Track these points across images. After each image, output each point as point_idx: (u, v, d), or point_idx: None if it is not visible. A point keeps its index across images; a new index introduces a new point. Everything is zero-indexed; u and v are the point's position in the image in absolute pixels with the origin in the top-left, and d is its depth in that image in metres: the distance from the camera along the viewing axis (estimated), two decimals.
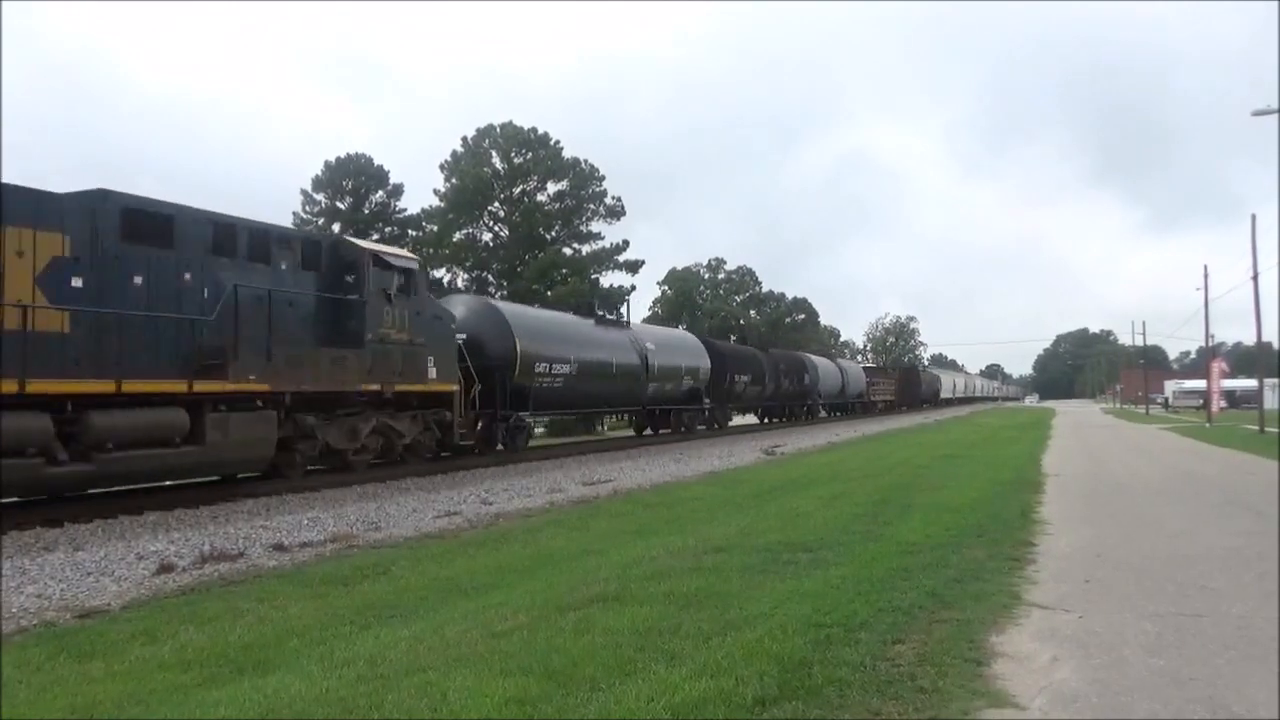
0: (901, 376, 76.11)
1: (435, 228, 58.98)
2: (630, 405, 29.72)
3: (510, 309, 23.58)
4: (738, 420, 46.65)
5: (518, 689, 4.71)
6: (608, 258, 61.73)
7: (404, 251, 18.89)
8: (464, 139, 60.37)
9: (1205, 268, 70.96)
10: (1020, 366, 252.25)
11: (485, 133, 60.17)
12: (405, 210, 60.53)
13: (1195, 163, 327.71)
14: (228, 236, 13.99)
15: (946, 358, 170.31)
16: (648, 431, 32.82)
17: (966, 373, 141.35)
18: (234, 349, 13.38)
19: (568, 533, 10.89)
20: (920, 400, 79.37)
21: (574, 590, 7.18)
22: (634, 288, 63.53)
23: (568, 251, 61.12)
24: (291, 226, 15.11)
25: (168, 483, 14.25)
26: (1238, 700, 4.64)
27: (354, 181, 59.11)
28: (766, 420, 46.68)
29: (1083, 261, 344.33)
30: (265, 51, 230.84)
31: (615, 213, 62.29)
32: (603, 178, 61.87)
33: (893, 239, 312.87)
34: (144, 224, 12.68)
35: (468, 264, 59.69)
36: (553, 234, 60.70)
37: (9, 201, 11.12)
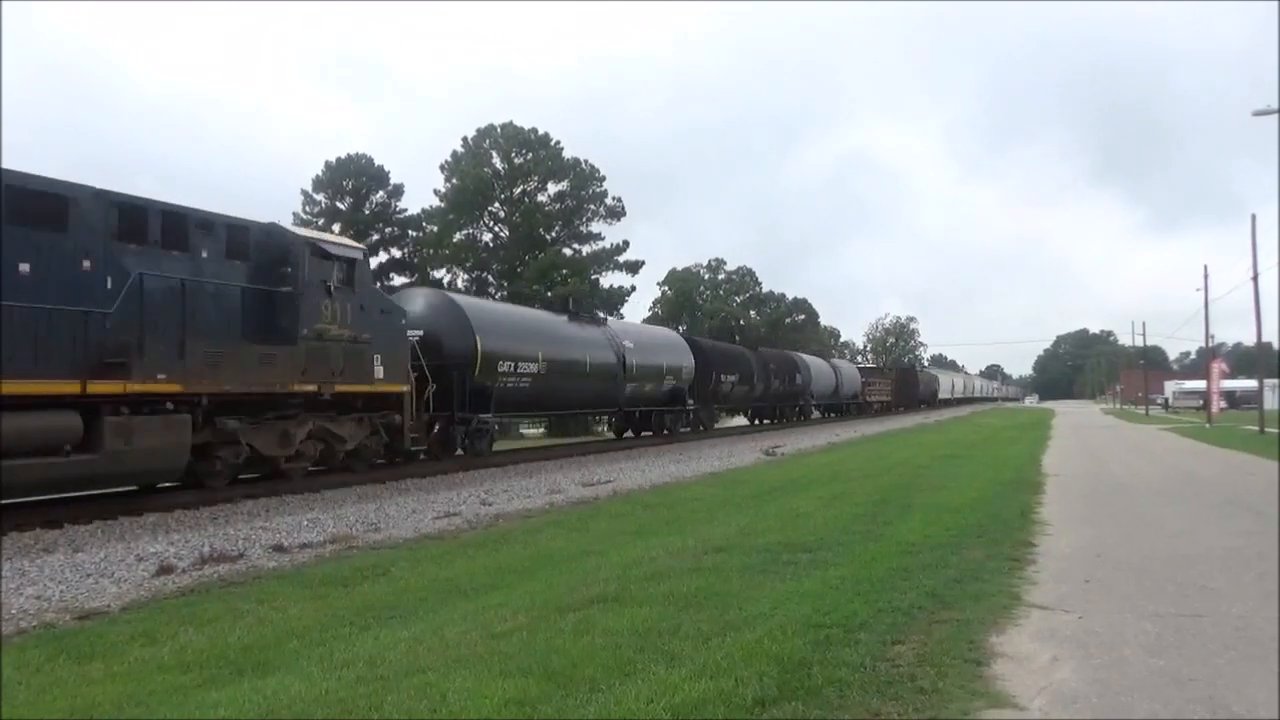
0: (898, 377, 75.77)
1: (436, 228, 59.04)
2: (607, 406, 28.40)
3: (470, 303, 22.32)
4: (730, 422, 46.28)
5: (517, 690, 4.70)
6: (608, 258, 61.80)
7: (347, 240, 17.28)
8: (464, 139, 60.52)
9: (1205, 268, 71.13)
10: (1020, 367, 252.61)
11: (485, 133, 60.26)
12: (406, 210, 60.56)
13: (1195, 163, 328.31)
14: (136, 220, 12.60)
15: (946, 358, 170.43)
16: (629, 434, 31.54)
17: (966, 373, 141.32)
18: (139, 345, 12.10)
19: (567, 533, 10.89)
20: (918, 401, 79.15)
21: (574, 591, 7.18)
22: (634, 288, 63.71)
23: (568, 252, 61.20)
24: (213, 211, 14.12)
25: (61, 495, 12.87)
26: (1238, 700, 4.64)
27: (354, 182, 59.08)
28: (757, 422, 45.48)
29: (1083, 262, 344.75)
30: (266, 51, 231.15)
31: (615, 213, 62.41)
32: (603, 178, 62.03)
33: (893, 239, 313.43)
34: (31, 204, 11.33)
35: (468, 264, 59.75)
36: (553, 234, 60.78)
37: None
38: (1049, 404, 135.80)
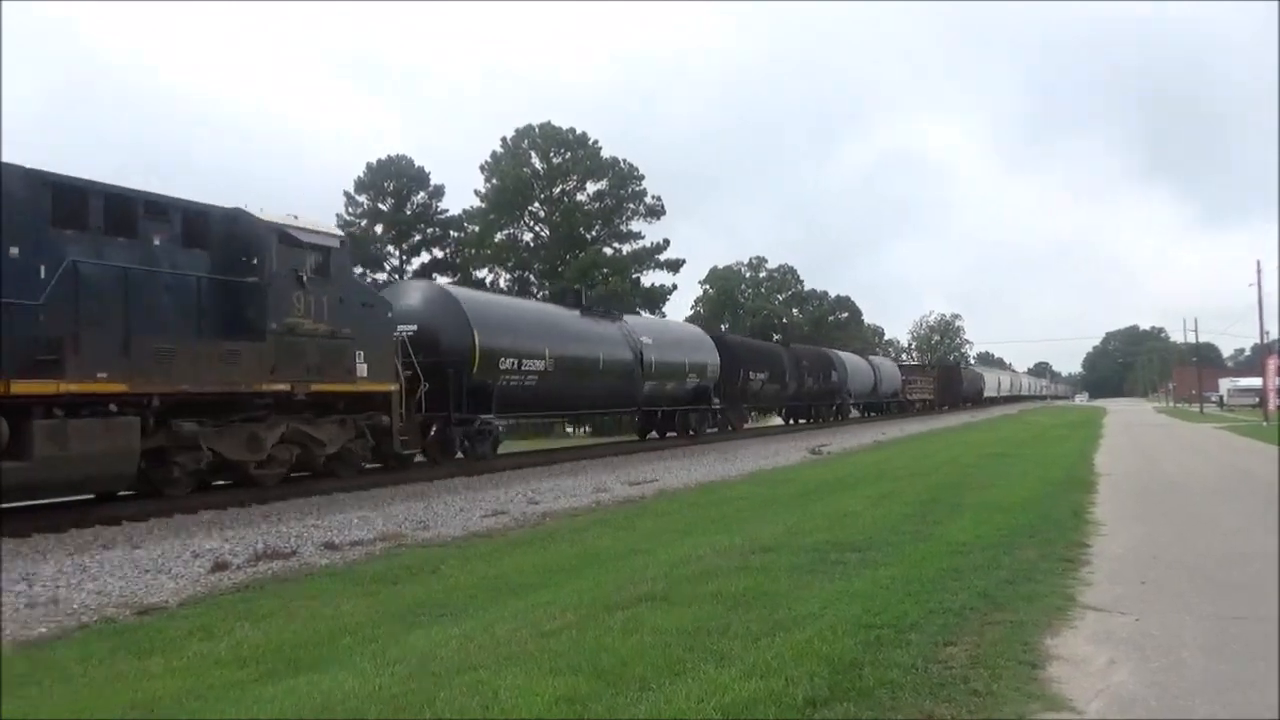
0: (941, 374, 74.38)
1: (477, 228, 59.49)
2: (624, 406, 26.90)
3: (468, 296, 20.97)
4: (768, 422, 45.59)
5: (568, 688, 4.73)
6: (648, 257, 61.91)
7: (324, 226, 15.61)
8: (503, 139, 60.99)
9: (1259, 263, 69.25)
10: (1069, 364, 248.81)
11: (524, 133, 60.63)
12: (447, 211, 61.19)
13: (1248, 156, 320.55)
14: (75, 204, 11.51)
15: (993, 356, 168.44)
16: (653, 435, 30.23)
17: (1013, 371, 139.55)
18: (73, 340, 10.92)
19: (614, 532, 10.92)
20: (962, 399, 77.99)
21: (621, 589, 7.20)
22: (675, 287, 63.75)
23: (608, 251, 61.37)
24: (168, 195, 12.97)
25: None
26: None
27: (395, 183, 59.80)
28: (791, 421, 44.19)
29: (1133, 257, 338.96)
30: (309, 56, 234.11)
31: (655, 212, 62.52)
32: (642, 177, 62.15)
33: (936, 236, 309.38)
34: None
35: (509, 264, 60.15)
36: (593, 233, 60.99)
37: None
38: (1099, 402, 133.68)
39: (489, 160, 60.51)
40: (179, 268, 12.73)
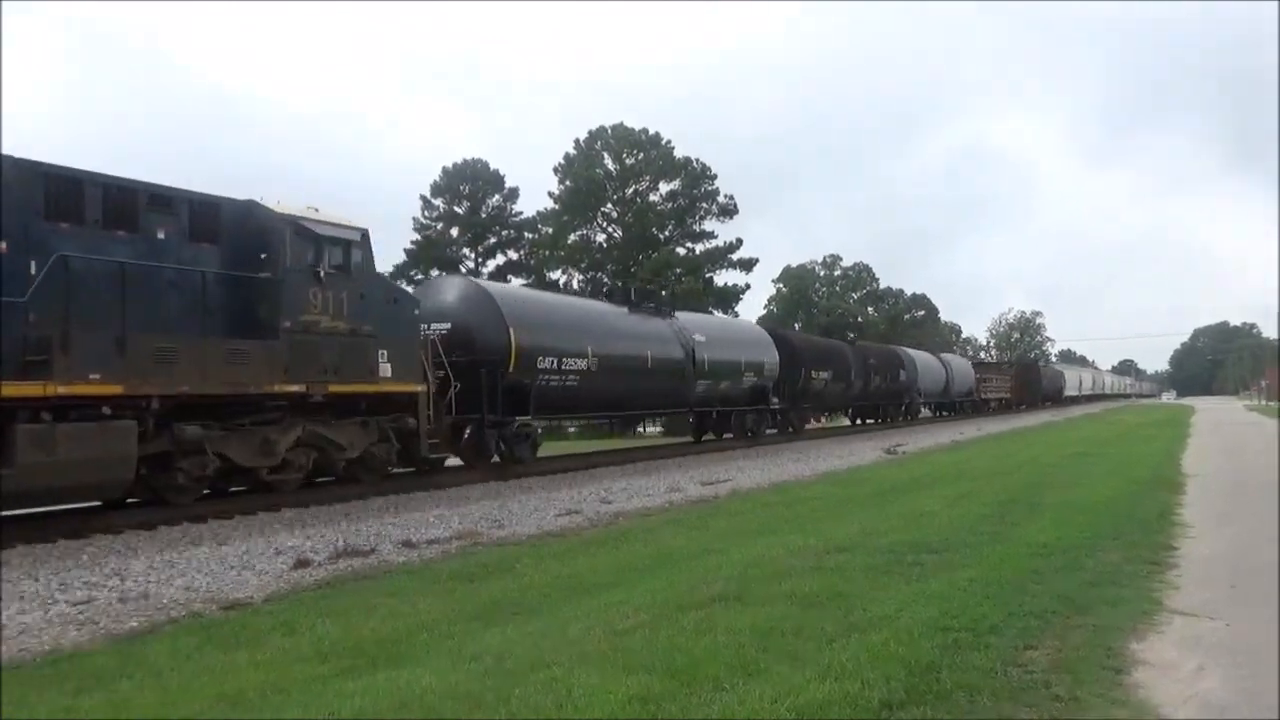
0: (1019, 373, 72.17)
1: (550, 230, 59.98)
2: (674, 406, 25.50)
3: (504, 292, 20.20)
4: (836, 423, 44.77)
5: (641, 687, 4.75)
6: (721, 256, 61.66)
7: (342, 218, 14.56)
8: (576, 141, 61.25)
9: None
10: (1155, 362, 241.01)
11: (597, 134, 60.90)
12: (521, 213, 61.81)
13: None
14: (70, 196, 10.89)
15: (1075, 353, 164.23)
16: (709, 437, 28.62)
17: (1095, 368, 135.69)
18: (62, 339, 10.26)
19: (687, 531, 10.92)
20: (1041, 398, 75.75)
21: (694, 589, 7.20)
22: (749, 286, 63.37)
23: (681, 251, 61.34)
24: (175, 186, 12.23)
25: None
26: None
27: (470, 186, 60.63)
28: (858, 422, 42.64)
29: (1221, 252, 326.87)
30: (389, 62, 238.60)
31: (728, 211, 62.22)
32: (714, 176, 61.91)
33: (1015, 231, 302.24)
34: None
35: (583, 265, 60.51)
36: (666, 234, 61.00)
37: None
38: (1187, 400, 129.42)
39: (562, 162, 60.97)
40: (185, 262, 12.13)
